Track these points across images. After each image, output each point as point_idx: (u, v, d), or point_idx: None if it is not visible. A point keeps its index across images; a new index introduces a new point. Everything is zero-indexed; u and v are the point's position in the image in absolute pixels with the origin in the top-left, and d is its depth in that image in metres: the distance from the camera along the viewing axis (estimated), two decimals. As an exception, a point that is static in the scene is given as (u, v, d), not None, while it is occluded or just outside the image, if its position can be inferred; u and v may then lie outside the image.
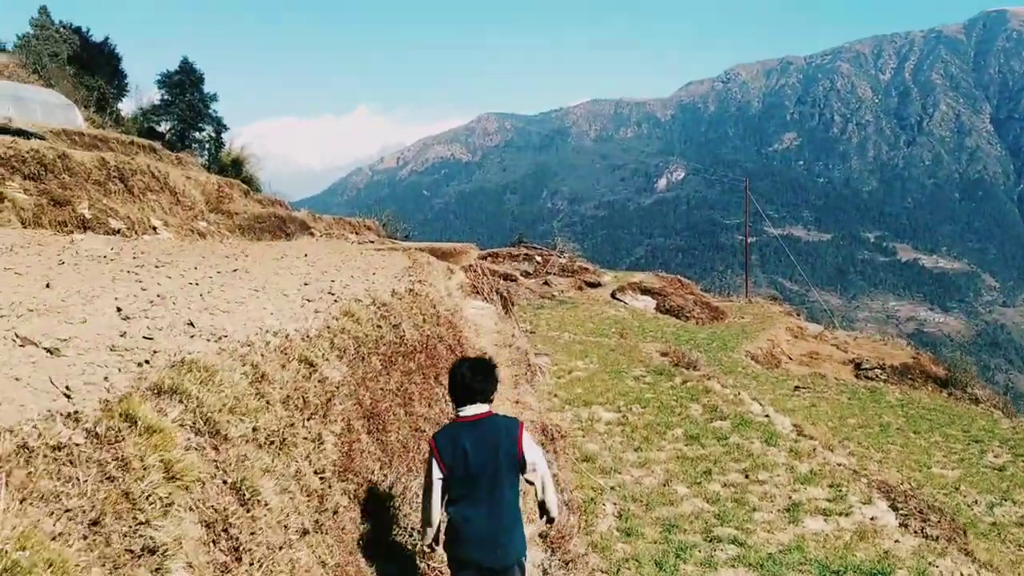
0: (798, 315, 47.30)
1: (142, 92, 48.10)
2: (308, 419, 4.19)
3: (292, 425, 4.00)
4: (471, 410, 4.89)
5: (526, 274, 45.91)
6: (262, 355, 4.21)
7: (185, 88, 47.52)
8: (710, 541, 8.16)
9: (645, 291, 42.09)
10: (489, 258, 46.49)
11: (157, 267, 8.37)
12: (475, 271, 16.53)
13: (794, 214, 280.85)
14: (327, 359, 4.83)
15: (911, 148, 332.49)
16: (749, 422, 12.36)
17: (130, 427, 2.97)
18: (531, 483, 5.04)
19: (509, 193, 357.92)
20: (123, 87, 47.53)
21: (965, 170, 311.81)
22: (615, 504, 8.79)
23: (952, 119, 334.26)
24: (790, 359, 35.67)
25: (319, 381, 4.49)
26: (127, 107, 45.86)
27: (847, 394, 25.02)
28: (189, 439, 3.29)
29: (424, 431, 6.39)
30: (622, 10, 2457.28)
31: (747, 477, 10.01)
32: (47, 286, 5.81)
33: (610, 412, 12.75)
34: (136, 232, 14.80)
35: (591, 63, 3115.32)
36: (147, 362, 3.74)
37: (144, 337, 4.17)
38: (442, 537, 5.01)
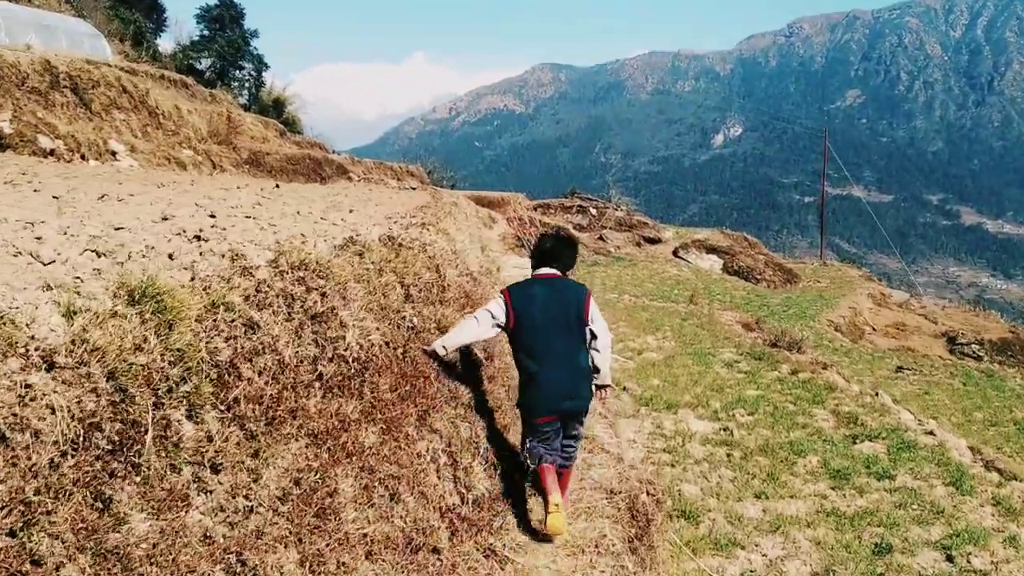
0: (880, 280, 42.91)
1: (182, 27, 44.95)
2: None
3: None
4: (544, 271, 5.17)
5: (579, 228, 42.09)
6: None
7: (225, 23, 44.38)
8: None
9: (711, 249, 38.05)
10: (539, 209, 42.81)
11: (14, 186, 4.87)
12: (520, 220, 12.91)
13: (855, 174, 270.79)
14: None
15: (980, 108, 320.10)
16: (911, 445, 8.45)
17: None
18: (594, 349, 5.17)
19: (562, 146, 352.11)
20: (162, 22, 44.42)
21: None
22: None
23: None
24: (874, 330, 31.59)
25: None
26: (167, 44, 42.84)
27: (960, 378, 20.89)
28: None
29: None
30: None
31: (950, 559, 6.24)
32: None
33: (705, 420, 8.94)
34: (84, 156, 11.37)
35: (649, 14, 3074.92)
36: None
37: None
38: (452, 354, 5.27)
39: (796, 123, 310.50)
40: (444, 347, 5.06)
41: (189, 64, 41.87)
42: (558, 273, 5.16)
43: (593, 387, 5.13)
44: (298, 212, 5.04)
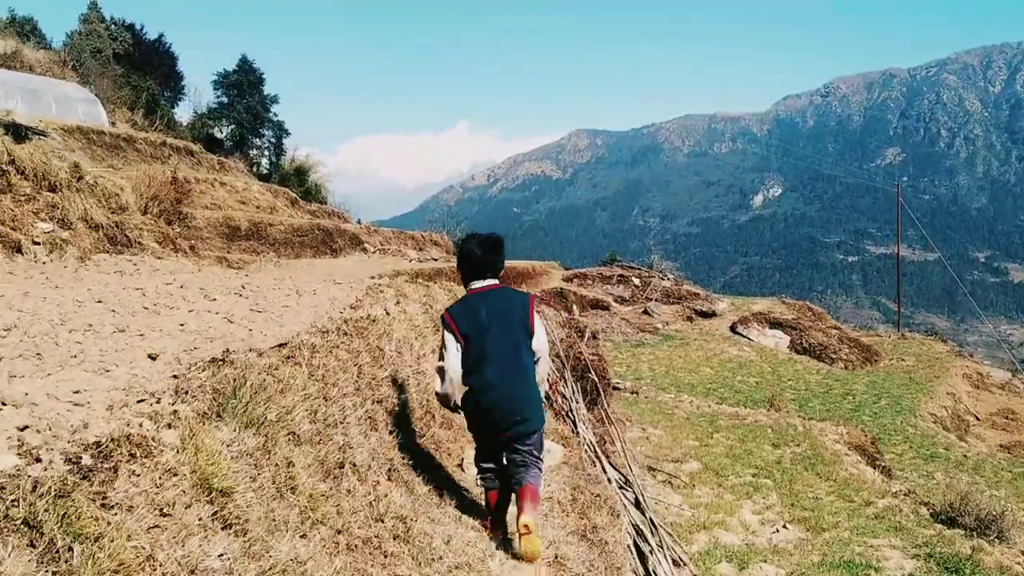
0: (971, 356, 37.77)
1: (202, 96, 42.33)
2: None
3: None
4: (481, 283, 4.95)
5: (621, 300, 37.77)
6: None
7: (243, 89, 41.52)
8: None
9: (774, 324, 33.40)
10: (576, 280, 38.59)
11: None
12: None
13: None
14: None
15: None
16: None
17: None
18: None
19: (600, 210, 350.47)
20: (180, 90, 41.85)
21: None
22: None
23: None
24: (978, 419, 26.80)
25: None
26: (185, 113, 40.30)
27: None
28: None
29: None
30: (717, 23, 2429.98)
31: None
32: None
33: None
34: None
35: (684, 78, 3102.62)
36: None
37: None
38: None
39: (836, 183, 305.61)
40: (456, 403, 4.95)
41: (208, 133, 39.13)
42: (495, 282, 5.01)
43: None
44: None
